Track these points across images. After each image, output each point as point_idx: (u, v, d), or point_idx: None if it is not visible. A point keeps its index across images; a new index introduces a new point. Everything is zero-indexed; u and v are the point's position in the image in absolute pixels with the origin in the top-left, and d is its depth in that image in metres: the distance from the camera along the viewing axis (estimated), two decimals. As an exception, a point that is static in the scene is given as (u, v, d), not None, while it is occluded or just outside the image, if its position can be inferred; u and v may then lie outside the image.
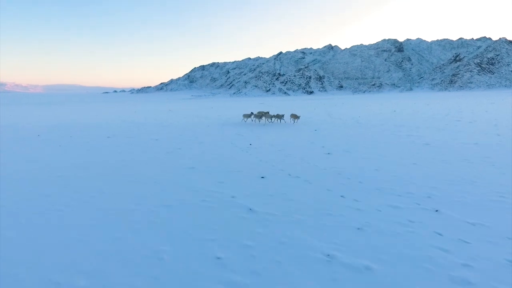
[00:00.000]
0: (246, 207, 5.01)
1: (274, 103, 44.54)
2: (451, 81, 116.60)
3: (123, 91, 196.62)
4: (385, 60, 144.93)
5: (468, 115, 19.52)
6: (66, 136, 13.41)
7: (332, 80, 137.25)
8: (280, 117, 18.59)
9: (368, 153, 9.28)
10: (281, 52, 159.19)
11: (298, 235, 4.00)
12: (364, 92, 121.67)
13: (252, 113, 19.85)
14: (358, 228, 4.30)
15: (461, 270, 3.17)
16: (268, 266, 3.29)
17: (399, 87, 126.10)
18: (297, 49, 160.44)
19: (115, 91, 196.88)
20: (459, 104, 32.27)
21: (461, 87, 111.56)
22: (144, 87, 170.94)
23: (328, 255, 3.50)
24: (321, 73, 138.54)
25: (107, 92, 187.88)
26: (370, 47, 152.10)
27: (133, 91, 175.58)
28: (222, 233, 4.09)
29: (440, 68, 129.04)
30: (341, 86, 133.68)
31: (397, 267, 3.28)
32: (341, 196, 5.62)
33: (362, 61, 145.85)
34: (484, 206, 5.12)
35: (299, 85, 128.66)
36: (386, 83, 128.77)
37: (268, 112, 19.32)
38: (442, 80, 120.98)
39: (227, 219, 4.59)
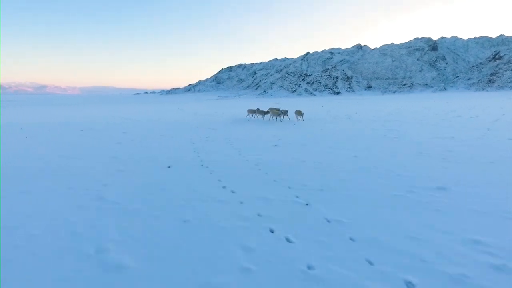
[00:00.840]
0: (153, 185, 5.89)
1: (289, 102, 48.29)
2: (490, 81, 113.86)
3: (153, 92, 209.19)
4: (418, 59, 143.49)
5: (476, 112, 19.35)
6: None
7: (360, 80, 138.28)
8: (284, 113, 18.01)
9: (319, 146, 9.45)
10: (308, 53, 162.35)
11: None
12: (394, 92, 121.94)
13: (258, 108, 19.92)
14: (185, 221, 4.32)
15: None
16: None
17: (432, 87, 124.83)
18: (324, 49, 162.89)
19: (146, 92, 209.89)
20: (492, 102, 31.14)
21: (500, 87, 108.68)
22: (173, 89, 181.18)
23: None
24: (349, 73, 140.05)
25: (138, 93, 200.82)
26: (401, 46, 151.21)
27: (163, 92, 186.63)
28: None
29: (477, 67, 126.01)
30: (370, 87, 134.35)
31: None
32: (223, 187, 5.73)
33: (393, 61, 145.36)
34: (356, 201, 4.97)
35: (326, 85, 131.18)
36: (418, 83, 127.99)
37: (279, 109, 18.58)
38: (479, 80, 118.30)
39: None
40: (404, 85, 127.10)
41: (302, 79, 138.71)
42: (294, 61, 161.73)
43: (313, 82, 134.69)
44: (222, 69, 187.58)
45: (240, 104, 47.60)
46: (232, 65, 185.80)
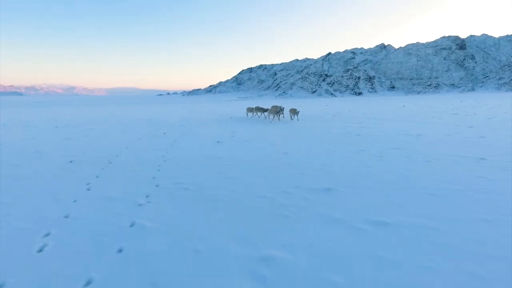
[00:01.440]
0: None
1: (300, 102, 50.80)
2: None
3: (175, 93, 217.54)
4: (444, 58, 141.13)
5: (494, 112, 19.16)
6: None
7: (383, 80, 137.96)
8: (280, 111, 17.55)
9: (261, 143, 9.60)
10: (330, 53, 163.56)
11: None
12: (418, 93, 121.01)
13: (257, 107, 19.79)
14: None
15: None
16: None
17: (459, 87, 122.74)
18: (346, 49, 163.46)
19: (168, 93, 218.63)
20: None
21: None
22: (194, 90, 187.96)
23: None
24: (372, 73, 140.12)
25: (161, 94, 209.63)
26: (427, 45, 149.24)
27: (184, 93, 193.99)
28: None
29: (509, 66, 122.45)
30: (393, 87, 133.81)
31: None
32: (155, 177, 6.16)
33: (418, 60, 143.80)
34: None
35: (347, 86, 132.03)
36: (444, 83, 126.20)
37: (281, 108, 17.92)
38: (511, 80, 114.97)
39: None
40: (429, 85, 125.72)
41: (323, 80, 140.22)
42: (315, 61, 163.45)
43: (333, 83, 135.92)
44: (243, 70, 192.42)
45: (251, 104, 50.73)
46: (252, 66, 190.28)
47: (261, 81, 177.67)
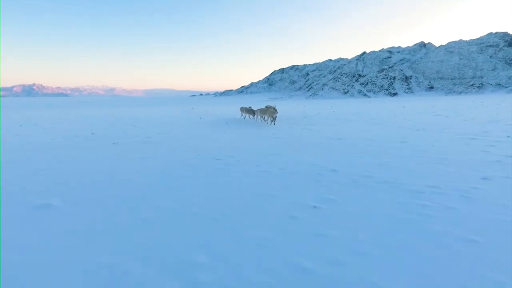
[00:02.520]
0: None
1: (317, 103, 54.00)
2: None
3: (208, 94, 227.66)
4: (491, 57, 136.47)
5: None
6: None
7: (421, 80, 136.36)
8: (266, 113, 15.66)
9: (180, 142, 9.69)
10: (364, 52, 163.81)
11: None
12: (459, 93, 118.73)
13: (244, 107, 18.71)
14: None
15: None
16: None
17: (506, 87, 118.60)
18: (382, 49, 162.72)
19: (201, 94, 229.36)
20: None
21: None
22: (226, 90, 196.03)
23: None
24: (408, 73, 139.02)
25: (194, 95, 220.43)
26: (471, 42, 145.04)
27: (217, 94, 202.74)
28: None
29: None
30: (432, 87, 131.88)
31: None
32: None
33: (460, 59, 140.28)
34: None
35: (381, 86, 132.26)
36: (489, 83, 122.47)
37: (274, 108, 16.00)
38: None
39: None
40: (472, 85, 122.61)
41: (356, 80, 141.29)
42: (349, 61, 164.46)
43: (367, 83, 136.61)
44: (275, 71, 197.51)
45: (278, 104, 54.85)
46: (284, 67, 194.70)
47: (292, 82, 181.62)
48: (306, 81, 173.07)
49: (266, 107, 16.73)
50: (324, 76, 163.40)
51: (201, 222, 3.75)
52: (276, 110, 15.42)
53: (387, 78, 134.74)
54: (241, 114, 19.01)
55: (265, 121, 15.97)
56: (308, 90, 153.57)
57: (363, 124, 14.77)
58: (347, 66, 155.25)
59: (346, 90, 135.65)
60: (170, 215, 3.95)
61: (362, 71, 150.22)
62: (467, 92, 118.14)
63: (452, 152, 7.53)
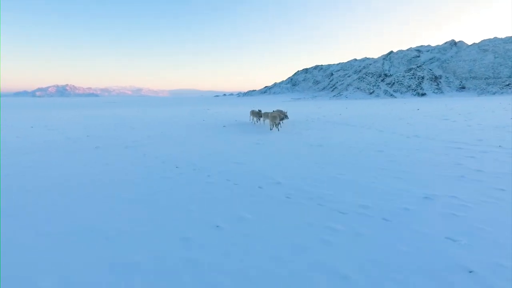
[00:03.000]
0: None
1: (337, 104, 52.61)
2: None
3: (231, 94, 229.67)
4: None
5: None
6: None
7: (451, 80, 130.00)
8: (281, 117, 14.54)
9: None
10: (391, 52, 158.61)
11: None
12: (493, 93, 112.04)
13: (254, 110, 17.59)
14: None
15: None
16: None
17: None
18: (411, 47, 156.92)
19: (224, 95, 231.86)
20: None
21: None
22: (249, 91, 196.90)
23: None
24: (438, 72, 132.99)
25: (217, 96, 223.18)
26: (507, 40, 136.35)
27: (240, 94, 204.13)
28: None
29: None
30: (463, 87, 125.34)
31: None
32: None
33: (495, 57, 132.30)
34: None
35: (408, 86, 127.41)
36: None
37: (284, 112, 15.37)
38: None
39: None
40: (508, 85, 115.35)
41: (382, 80, 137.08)
42: (374, 61, 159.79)
43: (393, 83, 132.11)
44: (298, 71, 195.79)
45: (299, 105, 54.28)
46: (308, 67, 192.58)
47: (316, 82, 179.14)
48: (330, 81, 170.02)
49: (276, 111, 15.87)
50: (349, 76, 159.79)
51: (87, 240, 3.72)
52: (278, 115, 14.14)
53: (415, 78, 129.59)
54: (251, 117, 18.06)
55: (270, 125, 14.42)
56: (332, 90, 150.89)
57: (358, 129, 14.24)
58: (373, 66, 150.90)
59: (371, 91, 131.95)
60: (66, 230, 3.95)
61: (389, 71, 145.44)
62: (502, 93, 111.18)
63: (421, 164, 7.03)
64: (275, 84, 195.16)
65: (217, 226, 3.99)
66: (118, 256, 3.31)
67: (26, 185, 5.91)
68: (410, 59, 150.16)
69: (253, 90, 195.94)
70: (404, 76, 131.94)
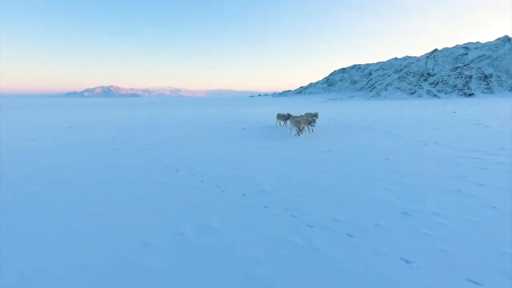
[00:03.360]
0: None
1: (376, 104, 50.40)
2: None
3: (266, 94, 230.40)
4: None
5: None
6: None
7: (504, 79, 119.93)
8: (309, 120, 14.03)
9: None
10: (436, 49, 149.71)
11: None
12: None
13: (289, 114, 16.74)
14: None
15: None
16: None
17: None
18: (457, 45, 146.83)
19: (259, 95, 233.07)
20: None
21: None
22: (284, 91, 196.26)
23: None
24: (488, 71, 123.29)
25: (252, 96, 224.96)
26: None
27: (275, 94, 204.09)
28: None
29: None
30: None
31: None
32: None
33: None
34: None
35: (454, 86, 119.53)
36: None
37: (314, 115, 15.63)
38: None
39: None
40: None
41: (424, 80, 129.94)
42: (417, 59, 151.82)
43: (437, 83, 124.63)
44: (335, 70, 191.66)
45: (334, 105, 53.11)
46: (345, 67, 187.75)
47: (353, 82, 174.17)
48: (369, 81, 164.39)
49: (306, 114, 15.92)
50: (388, 76, 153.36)
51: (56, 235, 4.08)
52: (303, 120, 13.21)
53: (461, 77, 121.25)
54: (277, 121, 17.44)
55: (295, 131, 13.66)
56: (370, 91, 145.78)
57: (378, 133, 13.78)
58: (415, 65, 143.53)
59: (412, 91, 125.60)
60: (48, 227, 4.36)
61: (433, 70, 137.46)
62: None
63: (422, 176, 6.71)
64: (310, 84, 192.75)
65: (182, 234, 4.17)
66: (74, 257, 3.62)
67: (24, 188, 6.53)
68: (457, 57, 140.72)
69: (288, 91, 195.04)
70: (449, 75, 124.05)
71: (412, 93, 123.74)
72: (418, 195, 5.51)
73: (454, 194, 5.54)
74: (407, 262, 3.39)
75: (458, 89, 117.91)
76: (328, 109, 37.20)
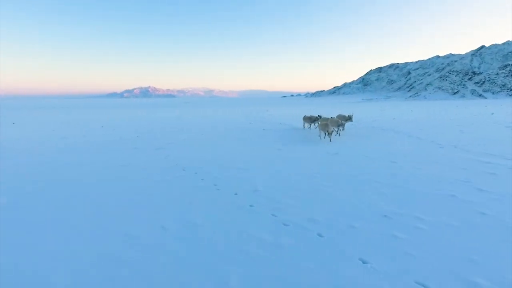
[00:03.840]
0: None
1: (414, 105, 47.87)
2: None
3: (299, 95, 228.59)
4: None
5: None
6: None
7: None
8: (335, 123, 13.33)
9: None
10: (483, 46, 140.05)
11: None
12: None
13: (319, 116, 16.37)
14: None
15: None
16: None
17: None
18: (508, 41, 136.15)
19: (292, 95, 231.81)
20: None
21: None
22: (317, 91, 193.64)
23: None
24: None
25: (284, 96, 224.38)
26: None
27: (308, 95, 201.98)
28: None
29: None
30: None
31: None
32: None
33: None
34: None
35: (503, 85, 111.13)
36: None
37: (348, 116, 15.16)
38: None
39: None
40: None
41: (469, 79, 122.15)
42: (461, 57, 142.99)
43: (483, 82, 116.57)
44: (371, 70, 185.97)
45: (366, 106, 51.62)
46: (382, 66, 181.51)
47: (391, 82, 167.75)
48: (407, 80, 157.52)
49: (338, 116, 15.21)
50: (429, 75, 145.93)
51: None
52: (331, 123, 12.44)
53: (511, 75, 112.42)
54: (304, 124, 17.11)
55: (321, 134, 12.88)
56: (409, 90, 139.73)
57: (398, 135, 13.45)
58: (459, 63, 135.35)
59: (455, 90, 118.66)
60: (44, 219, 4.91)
61: (478, 68, 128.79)
62: None
63: (422, 180, 6.56)
64: (344, 84, 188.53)
65: (163, 227, 4.53)
66: (62, 245, 4.09)
67: (23, 188, 7.25)
68: (507, 54, 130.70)
69: (322, 91, 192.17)
70: (497, 74, 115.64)
71: (454, 93, 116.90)
72: (408, 199, 5.44)
73: (447, 199, 5.40)
74: (364, 263, 3.46)
75: (508, 89, 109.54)
76: (358, 110, 36.34)
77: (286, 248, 3.84)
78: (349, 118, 15.24)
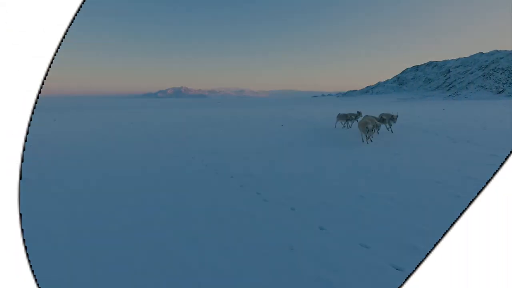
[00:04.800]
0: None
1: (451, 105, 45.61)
2: None
3: (330, 94, 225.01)
4: None
5: None
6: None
7: None
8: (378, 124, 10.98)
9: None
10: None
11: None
12: None
13: (358, 112, 15.52)
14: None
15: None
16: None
17: None
18: None
19: (323, 95, 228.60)
20: None
21: None
22: (349, 91, 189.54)
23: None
24: None
25: (315, 96, 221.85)
26: None
27: (339, 94, 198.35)
28: None
29: None
30: None
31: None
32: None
33: None
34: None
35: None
36: None
37: (393, 116, 13.20)
38: None
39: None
40: None
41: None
42: (508, 53, 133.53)
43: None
44: (407, 68, 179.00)
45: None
46: (419, 64, 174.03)
47: (428, 81, 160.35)
48: (447, 79, 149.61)
49: (380, 115, 13.36)
50: (471, 73, 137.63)
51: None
52: (371, 121, 10.50)
53: None
54: (337, 122, 16.21)
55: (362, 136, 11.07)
56: (448, 90, 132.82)
57: (413, 131, 13.33)
58: (505, 60, 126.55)
59: (500, 89, 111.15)
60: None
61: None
62: None
63: (415, 170, 6.75)
64: (378, 84, 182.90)
65: (143, 199, 5.22)
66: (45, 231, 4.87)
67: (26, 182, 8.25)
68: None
69: (354, 90, 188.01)
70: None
71: (499, 92, 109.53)
72: (391, 184, 5.70)
73: (430, 184, 5.61)
74: (321, 229, 3.89)
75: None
76: (387, 108, 35.59)
77: (257, 217, 4.34)
78: (393, 118, 13.19)
